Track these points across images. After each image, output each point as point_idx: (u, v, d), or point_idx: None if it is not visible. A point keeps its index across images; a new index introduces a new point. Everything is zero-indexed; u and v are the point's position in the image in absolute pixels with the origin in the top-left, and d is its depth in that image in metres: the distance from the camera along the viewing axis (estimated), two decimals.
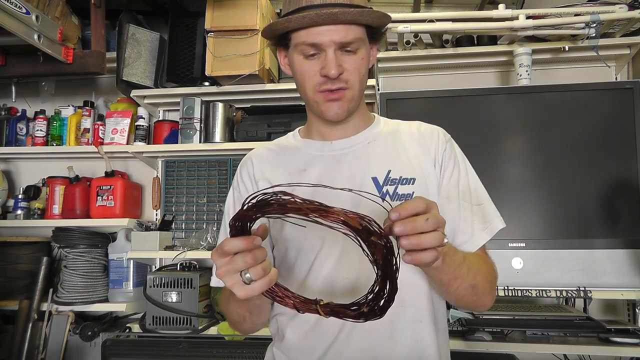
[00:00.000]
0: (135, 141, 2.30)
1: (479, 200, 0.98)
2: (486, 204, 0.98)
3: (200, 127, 2.22)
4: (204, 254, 2.07)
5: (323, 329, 0.92)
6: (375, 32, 0.95)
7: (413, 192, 0.93)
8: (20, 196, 2.36)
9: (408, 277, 0.90)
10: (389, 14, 0.94)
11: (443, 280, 0.85)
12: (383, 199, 0.91)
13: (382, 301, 0.65)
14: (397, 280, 0.64)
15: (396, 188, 0.93)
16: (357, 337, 0.90)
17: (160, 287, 2.02)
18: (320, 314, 0.72)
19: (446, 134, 1.02)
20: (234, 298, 0.92)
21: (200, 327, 1.99)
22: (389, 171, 0.95)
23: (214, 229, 2.16)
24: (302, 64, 0.92)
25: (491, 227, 0.96)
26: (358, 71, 0.92)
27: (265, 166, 1.02)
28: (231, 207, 1.05)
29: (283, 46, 0.97)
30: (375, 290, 0.66)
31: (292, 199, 0.63)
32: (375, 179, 0.94)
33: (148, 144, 2.33)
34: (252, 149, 1.11)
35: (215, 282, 1.03)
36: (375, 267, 0.64)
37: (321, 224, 0.63)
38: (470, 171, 1.00)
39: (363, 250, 0.64)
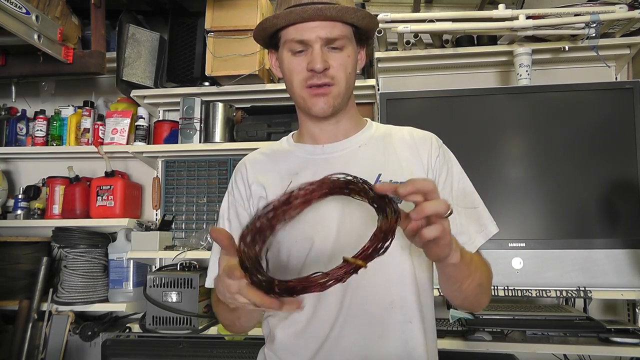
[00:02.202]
0: (135, 141, 2.30)
1: (473, 203, 1.00)
2: (480, 207, 1.01)
3: (200, 127, 2.22)
4: (204, 254, 2.07)
5: (314, 328, 0.93)
6: (362, 34, 0.98)
7: None
8: (20, 196, 2.36)
9: (398, 279, 0.92)
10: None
11: (458, 277, 0.88)
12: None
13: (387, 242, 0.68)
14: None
15: None
16: (348, 336, 0.91)
17: (160, 287, 2.02)
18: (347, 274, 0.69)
19: (438, 140, 1.04)
20: (223, 305, 0.93)
21: (200, 327, 1.99)
22: (380, 175, 0.96)
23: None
24: (290, 60, 0.95)
25: (486, 231, 0.99)
26: (344, 68, 0.94)
27: (258, 170, 1.04)
28: (225, 211, 1.07)
29: (273, 47, 1.00)
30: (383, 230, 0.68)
31: (277, 204, 0.65)
32: None
33: (148, 144, 2.33)
34: (252, 149, 1.12)
35: (209, 283, 1.05)
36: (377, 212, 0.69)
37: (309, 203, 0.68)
38: (463, 175, 1.03)
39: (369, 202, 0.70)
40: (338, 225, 0.93)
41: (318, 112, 0.95)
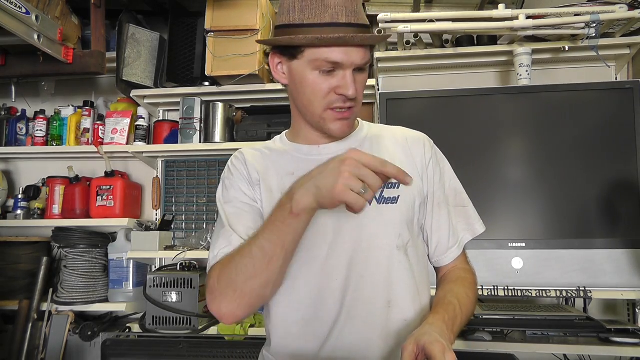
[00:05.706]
0: (135, 141, 2.30)
1: (463, 203, 1.05)
2: (469, 207, 1.05)
3: (200, 127, 2.22)
4: (204, 254, 2.07)
5: (315, 329, 0.93)
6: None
7: (398, 196, 0.96)
8: (20, 196, 2.36)
9: (394, 279, 0.93)
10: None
11: None
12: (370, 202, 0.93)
13: None
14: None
15: (382, 192, 0.96)
16: (348, 336, 0.91)
17: (160, 287, 2.02)
18: None
19: (430, 141, 1.06)
20: (257, 246, 0.84)
21: (200, 327, 1.99)
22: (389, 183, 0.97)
23: (214, 228, 2.16)
24: (317, 79, 0.91)
25: (473, 229, 1.04)
26: (363, 88, 0.97)
27: (257, 161, 1.02)
28: (221, 197, 1.01)
29: (285, 54, 0.93)
30: None
31: None
32: None
33: (148, 144, 2.33)
34: None
35: (214, 258, 0.93)
36: None
37: None
38: (454, 175, 1.06)
39: None
40: (334, 229, 0.94)
41: (338, 135, 0.97)
